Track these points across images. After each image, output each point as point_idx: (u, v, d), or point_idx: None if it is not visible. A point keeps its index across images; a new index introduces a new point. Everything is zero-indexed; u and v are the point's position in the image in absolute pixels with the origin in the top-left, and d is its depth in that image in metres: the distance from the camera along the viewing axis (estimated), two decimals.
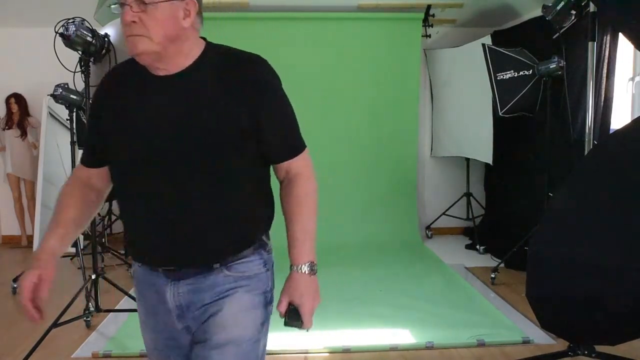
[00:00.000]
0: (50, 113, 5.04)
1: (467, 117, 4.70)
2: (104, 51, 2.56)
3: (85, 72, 2.57)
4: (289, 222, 1.32)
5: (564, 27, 3.11)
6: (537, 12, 4.14)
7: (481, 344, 2.73)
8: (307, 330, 1.39)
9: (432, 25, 5.10)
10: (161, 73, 1.20)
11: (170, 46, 1.16)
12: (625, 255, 2.00)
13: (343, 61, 5.04)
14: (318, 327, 2.96)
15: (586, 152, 2.82)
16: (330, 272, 4.04)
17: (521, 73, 3.96)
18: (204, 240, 1.22)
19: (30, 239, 5.16)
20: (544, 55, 3.86)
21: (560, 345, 2.64)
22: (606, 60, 3.40)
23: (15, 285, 3.66)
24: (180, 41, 1.18)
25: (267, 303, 1.37)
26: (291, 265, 1.33)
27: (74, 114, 3.67)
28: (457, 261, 4.38)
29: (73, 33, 2.44)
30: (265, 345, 1.41)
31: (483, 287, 3.68)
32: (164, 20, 1.13)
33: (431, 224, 5.33)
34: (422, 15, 4.99)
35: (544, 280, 2.20)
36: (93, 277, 2.78)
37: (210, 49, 1.29)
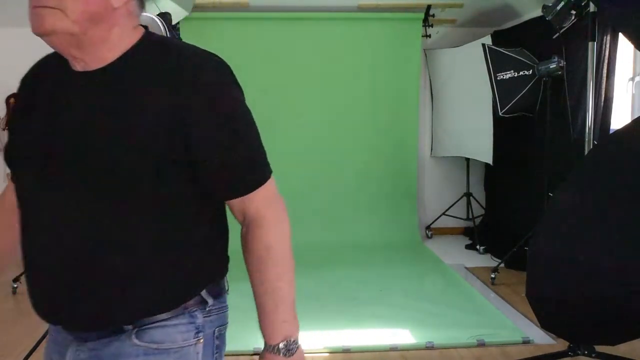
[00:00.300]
0: None
1: (467, 117, 4.70)
2: None
3: None
4: (252, 285, 1.01)
5: (564, 27, 3.11)
6: (537, 12, 4.14)
7: (481, 344, 2.72)
8: None
9: (432, 26, 5.10)
10: (79, 67, 0.93)
11: (91, 29, 0.88)
12: (625, 255, 1.99)
13: (343, 61, 5.04)
14: (318, 327, 2.98)
15: (586, 152, 2.82)
16: (330, 272, 4.05)
17: (521, 73, 3.96)
18: (106, 291, 0.89)
19: None
20: (544, 55, 3.86)
21: (560, 345, 2.64)
22: (606, 60, 3.40)
23: (15, 285, 3.66)
24: (105, 24, 0.89)
25: None
26: (264, 342, 1.07)
27: None
28: (457, 261, 4.37)
29: None
30: None
31: (483, 287, 3.68)
32: None
33: (431, 224, 5.33)
34: (422, 15, 4.99)
35: (544, 280, 2.20)
36: None
37: (148, 41, 0.95)
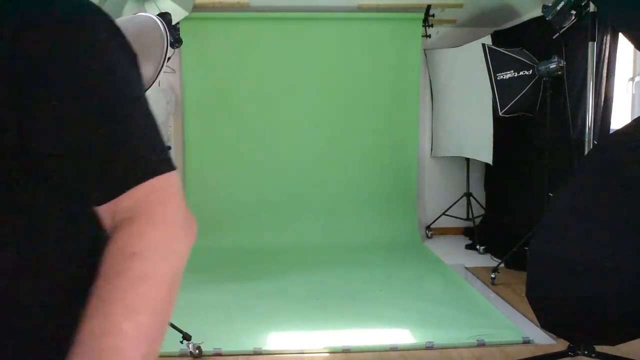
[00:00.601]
0: None
1: (467, 117, 4.70)
2: None
3: None
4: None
5: (564, 27, 3.11)
6: (537, 12, 4.14)
7: (481, 344, 2.73)
8: None
9: (432, 25, 5.10)
10: None
11: None
12: (625, 255, 1.99)
13: (343, 61, 5.05)
14: (318, 327, 2.98)
15: (586, 152, 2.82)
16: (330, 272, 4.05)
17: (521, 73, 3.96)
18: None
19: None
20: (544, 55, 3.86)
21: (560, 345, 2.64)
22: (606, 60, 3.40)
23: None
24: None
25: None
26: None
27: None
28: (457, 261, 4.38)
29: None
30: None
31: (483, 287, 3.68)
32: None
33: (431, 224, 5.33)
34: (422, 15, 4.99)
35: (544, 280, 2.20)
36: None
37: None
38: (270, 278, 3.90)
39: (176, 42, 3.69)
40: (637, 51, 3.44)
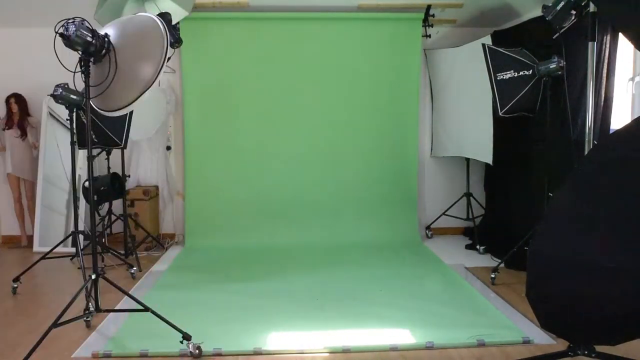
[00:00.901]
0: (50, 113, 5.04)
1: (467, 117, 4.70)
2: (104, 51, 2.56)
3: (85, 72, 2.57)
4: None
5: (564, 27, 3.10)
6: (537, 12, 4.14)
7: (481, 344, 2.73)
8: None
9: (432, 25, 5.10)
10: None
11: None
12: (625, 255, 1.99)
13: (343, 61, 5.05)
14: (318, 327, 2.98)
15: (586, 152, 2.82)
16: (330, 272, 4.05)
17: (521, 73, 3.96)
18: None
19: (30, 239, 5.16)
20: (544, 55, 3.86)
21: (560, 345, 2.64)
22: (606, 60, 3.40)
23: (15, 285, 3.66)
24: None
25: None
26: None
27: (74, 114, 3.67)
28: (457, 261, 4.38)
29: (73, 33, 2.44)
30: None
31: (483, 287, 3.68)
32: None
33: (431, 224, 5.33)
34: (422, 15, 5.00)
35: (544, 280, 2.20)
36: (93, 277, 2.78)
37: None
38: (270, 278, 3.90)
39: (176, 42, 3.70)
40: (637, 51, 3.44)
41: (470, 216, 5.00)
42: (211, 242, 4.91)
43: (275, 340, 2.78)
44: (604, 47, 3.39)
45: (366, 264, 4.29)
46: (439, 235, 5.36)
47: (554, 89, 3.76)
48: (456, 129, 4.92)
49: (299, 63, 5.03)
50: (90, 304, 2.93)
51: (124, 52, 2.54)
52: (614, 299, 2.00)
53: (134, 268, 4.06)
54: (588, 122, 2.82)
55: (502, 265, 3.99)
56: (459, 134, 4.88)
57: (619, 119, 3.55)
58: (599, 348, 2.28)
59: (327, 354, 2.65)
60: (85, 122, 3.01)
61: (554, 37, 3.31)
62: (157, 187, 5.21)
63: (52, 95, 3.51)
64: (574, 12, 2.95)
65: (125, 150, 4.55)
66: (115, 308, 3.23)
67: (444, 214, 5.22)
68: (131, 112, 4.28)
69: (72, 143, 3.68)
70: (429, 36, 5.15)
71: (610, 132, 3.42)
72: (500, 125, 4.26)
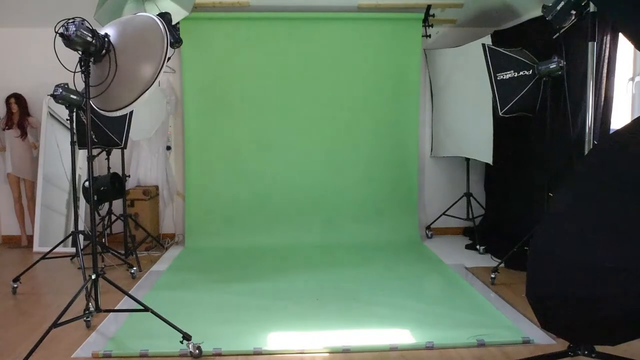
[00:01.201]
0: (50, 113, 5.04)
1: (467, 117, 4.70)
2: (104, 51, 2.56)
3: (85, 72, 2.57)
4: None
5: (564, 27, 3.11)
6: (537, 12, 4.15)
7: (481, 344, 2.73)
8: None
9: (432, 25, 5.10)
10: None
11: None
12: (625, 255, 1.99)
13: (343, 61, 5.05)
14: (318, 327, 2.98)
15: (586, 152, 2.82)
16: (330, 272, 4.05)
17: (521, 73, 3.96)
18: None
19: (30, 239, 5.16)
20: (544, 55, 3.86)
21: (560, 345, 2.65)
22: (606, 60, 3.40)
23: (15, 285, 3.66)
24: None
25: None
26: None
27: (74, 114, 3.67)
28: (457, 261, 4.38)
29: (73, 33, 2.44)
30: None
31: (483, 287, 3.68)
32: None
33: (431, 224, 5.33)
34: (422, 15, 5.00)
35: (544, 280, 2.19)
36: (93, 277, 2.78)
37: None
38: (270, 278, 3.90)
39: (176, 42, 3.70)
40: (637, 51, 3.44)
41: (470, 216, 5.00)
42: (211, 242, 4.90)
43: (275, 340, 2.78)
44: (604, 47, 3.39)
45: (366, 264, 4.29)
46: (439, 235, 5.36)
47: (554, 89, 3.76)
48: (456, 129, 4.92)
49: (299, 63, 5.03)
50: (90, 304, 2.93)
51: (124, 52, 2.54)
52: (614, 299, 2.00)
53: (134, 268, 4.06)
54: (588, 122, 2.82)
55: (502, 265, 3.99)
56: (459, 134, 4.88)
57: (619, 119, 3.55)
58: (599, 348, 2.29)
59: (327, 354, 2.65)
60: (85, 122, 3.01)
61: (554, 37, 3.32)
62: (157, 187, 5.21)
63: (52, 95, 3.51)
64: (574, 12, 2.95)
65: (125, 150, 4.55)
66: (115, 308, 3.23)
67: (444, 214, 5.22)
68: (131, 112, 4.28)
69: (72, 143, 3.68)
70: (429, 36, 5.15)
71: (610, 132, 3.42)
72: (500, 125, 4.26)
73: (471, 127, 4.62)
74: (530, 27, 4.43)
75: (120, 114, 2.62)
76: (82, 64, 2.57)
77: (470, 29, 5.19)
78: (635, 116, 3.44)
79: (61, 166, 5.03)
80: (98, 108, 2.68)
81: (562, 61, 3.58)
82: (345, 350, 2.67)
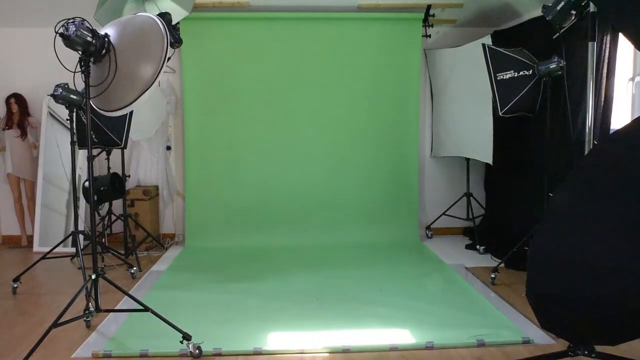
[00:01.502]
0: (50, 113, 5.04)
1: (467, 117, 4.70)
2: (104, 51, 2.56)
3: (85, 72, 2.57)
4: None
5: (564, 27, 3.10)
6: (537, 12, 4.15)
7: (481, 344, 2.73)
8: None
9: (432, 25, 5.10)
10: None
11: None
12: (625, 254, 1.99)
13: (343, 61, 5.05)
14: (318, 327, 2.98)
15: (586, 152, 2.82)
16: (330, 272, 4.05)
17: (521, 73, 3.96)
18: None
19: (30, 239, 5.16)
20: (544, 55, 3.86)
21: (560, 345, 2.65)
22: (606, 60, 3.40)
23: (15, 285, 3.66)
24: None
25: None
26: None
27: (74, 114, 3.67)
28: (457, 261, 4.38)
29: (73, 33, 2.44)
30: None
31: (483, 287, 3.68)
32: None
33: (431, 224, 5.33)
34: (422, 15, 5.00)
35: (544, 280, 2.19)
36: (93, 277, 2.78)
37: None
38: (270, 278, 3.90)
39: (176, 42, 3.70)
40: (637, 51, 3.44)
41: (470, 216, 5.00)
42: (211, 242, 4.91)
43: (275, 340, 2.78)
44: (604, 47, 3.39)
45: (366, 264, 4.29)
46: (439, 235, 5.36)
47: (554, 89, 3.76)
48: (456, 129, 4.92)
49: (299, 63, 5.03)
50: (90, 304, 2.93)
51: (124, 52, 2.54)
52: (614, 299, 2.00)
53: (134, 268, 4.06)
54: (588, 122, 2.82)
55: (502, 265, 3.99)
56: (459, 134, 4.88)
57: (619, 119, 3.55)
58: (599, 348, 2.28)
59: (327, 354, 2.65)
60: (85, 122, 3.01)
61: (554, 37, 3.31)
62: (157, 187, 5.21)
63: (52, 95, 3.51)
64: (574, 12, 2.95)
65: (125, 150, 4.55)
66: (115, 308, 3.23)
67: (444, 214, 5.23)
68: (131, 112, 4.28)
69: (72, 143, 3.68)
70: (429, 36, 5.15)
71: (610, 132, 3.42)
72: (500, 125, 4.26)
73: (471, 127, 4.62)
74: (530, 27, 4.43)
75: (120, 114, 2.62)
76: (82, 64, 2.57)
77: (470, 29, 5.19)
78: (635, 116, 3.45)
79: (61, 166, 5.03)
80: (98, 108, 2.68)
81: (562, 61, 3.58)
82: (345, 350, 2.67)
